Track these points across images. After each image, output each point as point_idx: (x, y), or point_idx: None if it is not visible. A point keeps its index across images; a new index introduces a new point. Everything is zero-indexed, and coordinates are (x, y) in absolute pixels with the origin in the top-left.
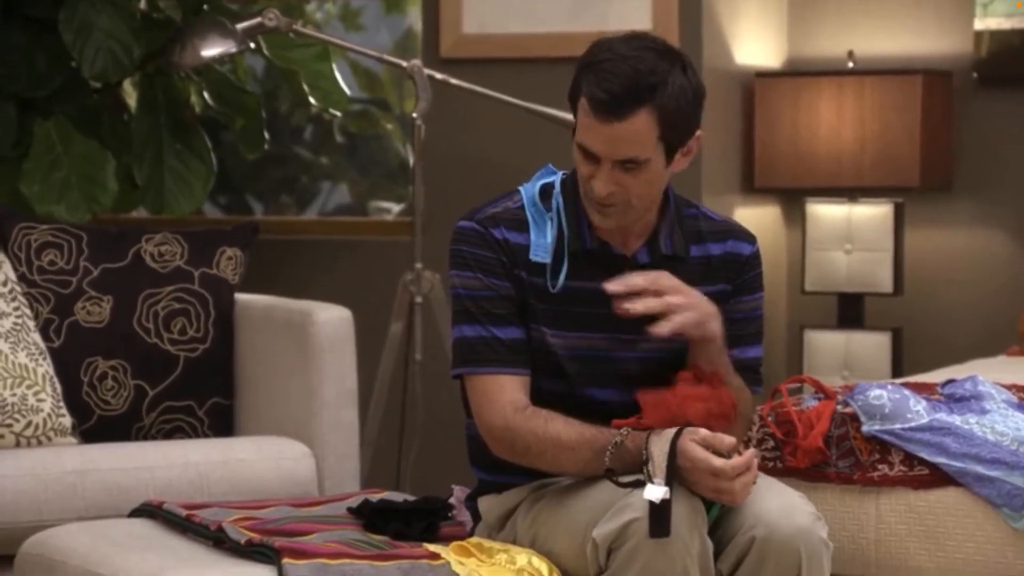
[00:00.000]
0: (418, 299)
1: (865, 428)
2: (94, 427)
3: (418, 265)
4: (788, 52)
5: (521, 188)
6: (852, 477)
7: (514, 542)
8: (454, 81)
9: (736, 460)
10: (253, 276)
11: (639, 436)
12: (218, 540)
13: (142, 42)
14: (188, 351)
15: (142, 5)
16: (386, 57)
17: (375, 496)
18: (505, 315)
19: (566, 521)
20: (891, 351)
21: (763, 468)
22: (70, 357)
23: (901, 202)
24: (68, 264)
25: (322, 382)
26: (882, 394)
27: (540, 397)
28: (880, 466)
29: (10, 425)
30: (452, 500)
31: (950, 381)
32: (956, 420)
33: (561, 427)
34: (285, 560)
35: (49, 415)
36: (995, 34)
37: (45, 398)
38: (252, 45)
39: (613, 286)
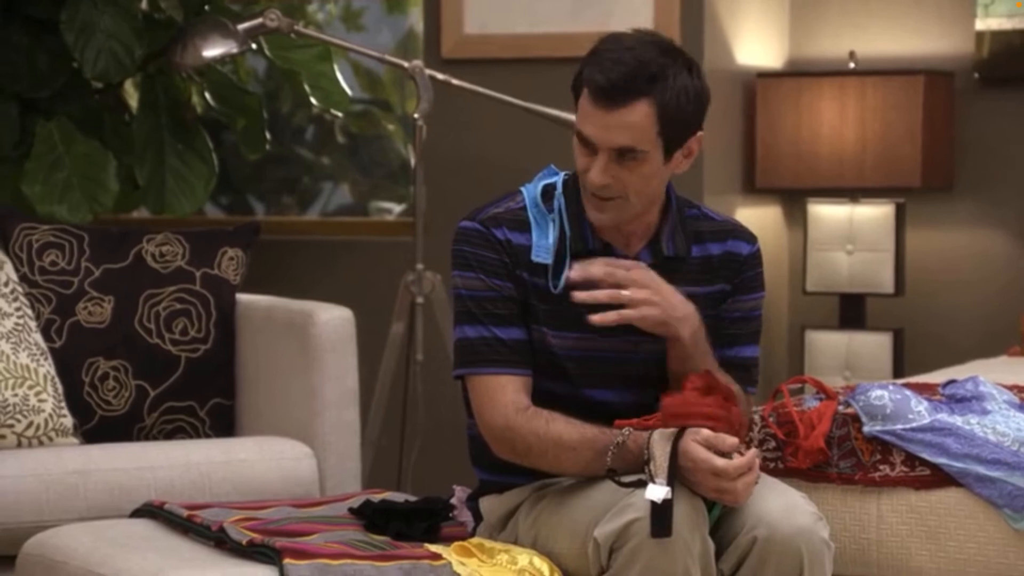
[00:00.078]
0: (419, 299)
1: (866, 428)
2: (95, 427)
3: (419, 266)
4: (790, 52)
5: (523, 189)
6: (853, 477)
7: (515, 542)
8: (455, 82)
9: (738, 460)
10: (254, 276)
11: (641, 436)
12: (219, 540)
13: (143, 42)
14: (189, 351)
15: (143, 5)
16: (387, 58)
17: (376, 496)
18: (507, 315)
19: (567, 521)
20: (892, 351)
21: (764, 468)
22: (71, 357)
23: (902, 202)
24: (69, 264)
25: (323, 382)
26: (883, 395)
27: (541, 398)
28: (881, 466)
29: (12, 425)
30: (453, 500)
31: (951, 382)
32: (957, 421)
33: (563, 427)
34: (286, 560)
35: (50, 415)
36: (996, 34)
37: (47, 398)
38: (253, 46)
39: (573, 273)
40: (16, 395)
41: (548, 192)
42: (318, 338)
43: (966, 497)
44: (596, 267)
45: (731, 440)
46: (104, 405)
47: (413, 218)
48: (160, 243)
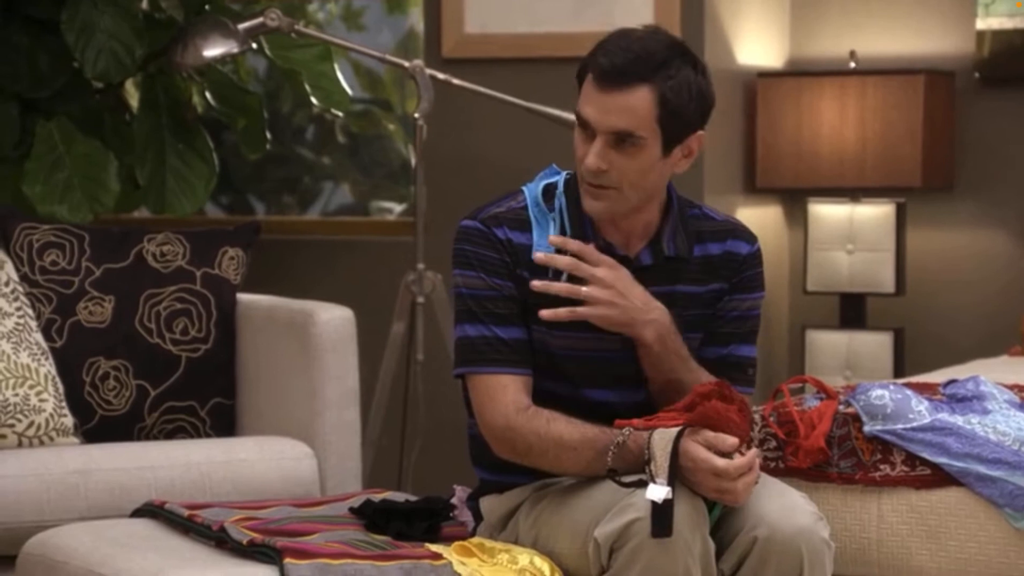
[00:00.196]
0: (420, 299)
1: (867, 428)
2: (96, 427)
3: (420, 265)
4: (790, 52)
5: (525, 188)
6: (854, 477)
7: (516, 542)
8: (456, 81)
9: (738, 460)
10: (255, 276)
11: (641, 436)
12: (220, 540)
13: (144, 42)
14: (190, 351)
15: (144, 5)
16: (388, 57)
17: (377, 496)
18: (507, 315)
19: (568, 521)
20: (893, 351)
21: (765, 468)
22: (72, 357)
23: (903, 202)
24: (70, 264)
25: (324, 382)
26: (884, 394)
27: (542, 398)
28: (882, 466)
29: (12, 425)
30: (454, 500)
31: (952, 381)
32: (958, 420)
33: (563, 427)
34: (287, 560)
35: (51, 415)
36: (997, 34)
37: (47, 398)
38: (254, 45)
39: (539, 254)
40: (17, 395)
41: (549, 191)
42: (319, 338)
43: (967, 497)
44: (562, 259)
45: (731, 440)
46: (105, 405)
47: (414, 218)
48: (161, 243)
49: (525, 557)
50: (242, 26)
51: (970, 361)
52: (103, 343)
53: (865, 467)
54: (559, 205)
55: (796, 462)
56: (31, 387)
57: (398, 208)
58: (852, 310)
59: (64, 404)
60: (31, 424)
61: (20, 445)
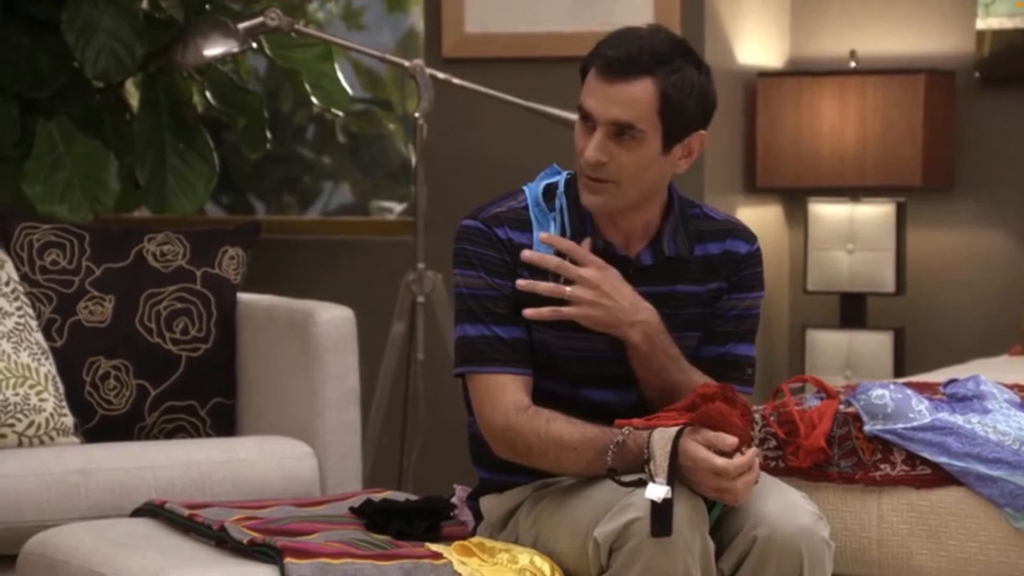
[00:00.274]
0: (420, 299)
1: (867, 428)
2: (96, 427)
3: (420, 265)
4: (790, 52)
5: (525, 188)
6: (854, 477)
7: (516, 542)
8: (456, 81)
9: (738, 460)
10: (255, 276)
11: (641, 435)
12: (220, 540)
13: (144, 42)
14: (190, 351)
15: (144, 5)
16: (388, 57)
17: (377, 496)
18: (507, 315)
19: (568, 521)
20: (893, 351)
21: (765, 468)
22: (72, 357)
23: (903, 202)
24: (70, 264)
25: (324, 382)
26: (884, 394)
27: (541, 397)
28: (882, 466)
29: (12, 425)
30: (454, 500)
31: (952, 381)
32: (958, 420)
33: (563, 427)
34: (287, 560)
35: (51, 415)
36: (997, 33)
37: (47, 398)
38: (254, 45)
39: (526, 253)
40: (17, 394)
41: (550, 191)
42: (319, 337)
43: (967, 496)
44: (550, 259)
45: (731, 439)
46: (105, 404)
47: (414, 217)
48: (161, 242)
49: (525, 556)
50: (242, 25)
51: (970, 361)
52: (103, 343)
53: (865, 467)
54: (560, 205)
55: (796, 461)
56: (31, 387)
57: (398, 208)
58: (852, 310)
59: (64, 404)
60: (31, 424)
61: (20, 445)
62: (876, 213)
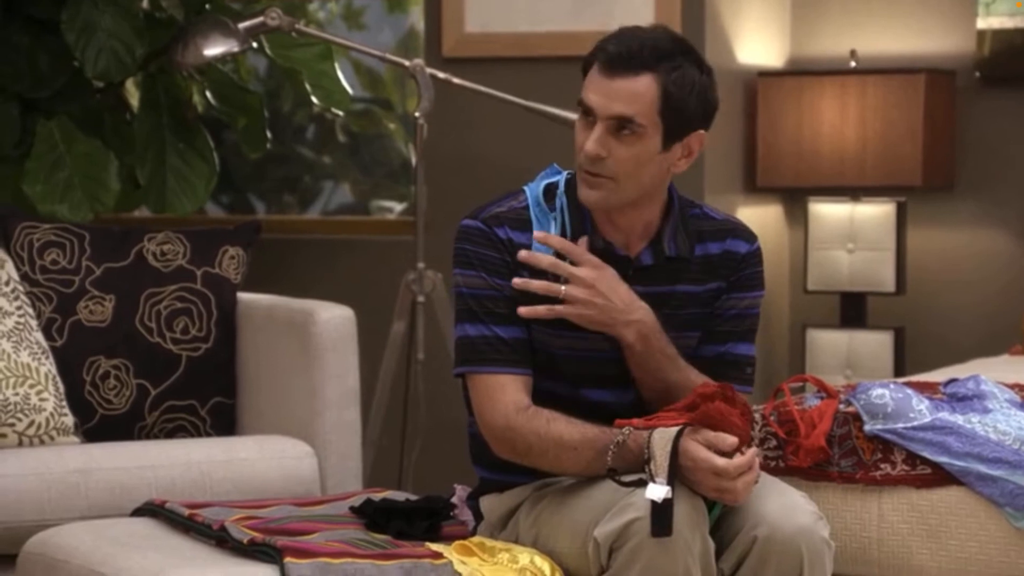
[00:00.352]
0: (420, 298)
1: (867, 427)
2: (96, 426)
3: (420, 264)
4: (791, 51)
5: (526, 187)
6: (854, 476)
7: (516, 541)
8: (456, 80)
9: (738, 459)
10: (255, 275)
11: (641, 435)
12: (220, 539)
13: (144, 42)
14: (190, 350)
15: (144, 4)
16: (388, 56)
17: (377, 495)
18: (508, 315)
19: (568, 520)
20: (893, 350)
21: (765, 467)
22: (72, 356)
23: (903, 201)
24: (70, 263)
25: (324, 381)
26: (884, 393)
27: (541, 397)
28: (882, 465)
29: (13, 424)
30: (454, 499)
31: (952, 380)
32: (959, 419)
33: (563, 427)
34: (287, 559)
35: (52, 414)
36: (998, 33)
37: (48, 397)
38: (254, 44)
39: (523, 254)
40: (17, 394)
41: (551, 191)
42: (319, 337)
43: (967, 496)
44: (545, 257)
45: (731, 439)
46: (105, 404)
47: (414, 217)
48: (161, 242)
49: (525, 556)
50: (242, 25)
51: (970, 360)
52: (103, 342)
53: (866, 466)
54: (560, 205)
55: (796, 461)
56: (31, 386)
57: (398, 207)
58: (852, 309)
59: (64, 403)
60: (31, 423)
61: (21, 444)
62: (876, 213)
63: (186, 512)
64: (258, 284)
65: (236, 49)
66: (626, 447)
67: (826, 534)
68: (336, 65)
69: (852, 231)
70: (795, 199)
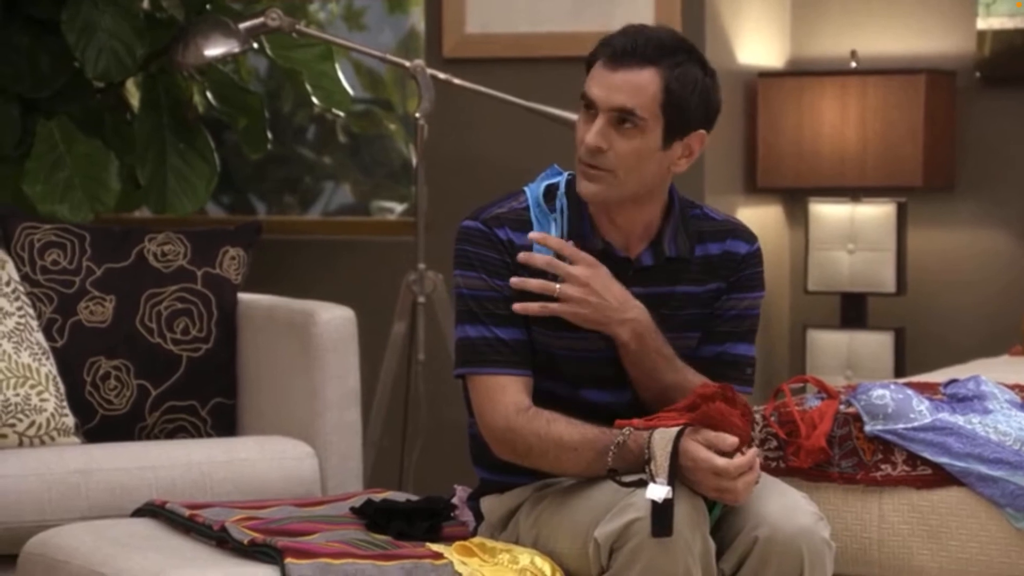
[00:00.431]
0: (421, 299)
1: (868, 428)
2: (97, 427)
3: (421, 265)
4: (791, 52)
5: (527, 188)
6: (855, 477)
7: (516, 542)
8: (457, 81)
9: (739, 460)
10: (256, 276)
11: (641, 436)
12: (221, 540)
13: (145, 42)
14: (191, 351)
15: (145, 5)
16: (389, 57)
17: (378, 496)
18: (508, 316)
19: (568, 521)
20: (894, 351)
21: (766, 468)
22: (73, 357)
23: (904, 202)
24: (71, 264)
25: (325, 382)
26: (885, 394)
27: (541, 398)
28: (883, 466)
29: (13, 425)
30: (454, 500)
31: (953, 381)
32: (959, 420)
33: (563, 428)
34: (288, 560)
35: (52, 415)
36: (998, 34)
37: (48, 398)
38: (255, 45)
39: (522, 256)
40: (18, 394)
41: (551, 192)
42: (320, 338)
43: (968, 496)
44: (540, 257)
45: (731, 439)
46: (106, 404)
47: (414, 218)
48: (161, 242)
49: (526, 557)
50: (243, 26)
51: (971, 361)
52: (104, 343)
53: (866, 467)
54: (560, 205)
55: (797, 462)
56: (32, 387)
57: (399, 208)
58: (853, 310)
59: (65, 404)
60: (32, 424)
61: (21, 445)
62: (877, 213)
63: (187, 513)
64: (259, 285)
65: (237, 49)
66: (626, 447)
67: (827, 535)
68: (337, 66)
69: (852, 231)
70: (795, 200)
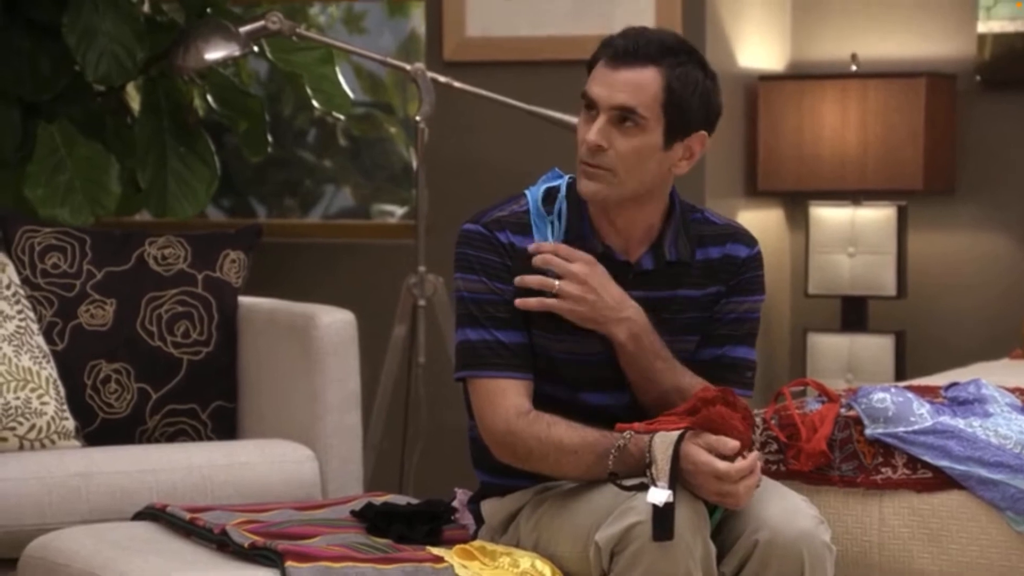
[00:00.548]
0: (421, 302)
1: (868, 431)
2: (97, 430)
3: (421, 268)
4: (791, 55)
5: (527, 192)
6: (855, 480)
7: (517, 545)
8: (457, 84)
9: (739, 463)
10: (256, 279)
11: (642, 439)
12: (222, 543)
13: (145, 45)
14: (191, 354)
15: (145, 8)
16: (389, 60)
17: (378, 499)
18: (508, 319)
19: (569, 525)
20: (894, 354)
21: (766, 471)
22: (73, 360)
23: (904, 205)
24: (71, 267)
25: (325, 385)
26: (885, 397)
27: (541, 401)
28: (883, 469)
29: (14, 428)
30: (455, 503)
31: (953, 384)
32: (960, 423)
33: (564, 431)
34: (288, 563)
35: (53, 418)
36: (998, 37)
37: (49, 401)
38: (255, 48)
39: (533, 246)
40: (18, 398)
41: (551, 195)
42: (320, 341)
43: (968, 500)
44: (545, 256)
45: (732, 443)
46: (106, 408)
47: (415, 221)
48: (162, 246)
49: (526, 560)
50: (243, 29)
51: (971, 364)
52: (104, 346)
53: (867, 470)
54: (559, 208)
55: (798, 465)
56: (32, 390)
57: (399, 211)
58: (853, 313)
59: (65, 407)
60: (32, 427)
61: (21, 448)
62: (877, 216)
63: (187, 516)
64: (259, 288)
65: (237, 53)
66: (627, 451)
67: (827, 538)
68: (337, 69)
69: (853, 235)
70: (796, 203)
